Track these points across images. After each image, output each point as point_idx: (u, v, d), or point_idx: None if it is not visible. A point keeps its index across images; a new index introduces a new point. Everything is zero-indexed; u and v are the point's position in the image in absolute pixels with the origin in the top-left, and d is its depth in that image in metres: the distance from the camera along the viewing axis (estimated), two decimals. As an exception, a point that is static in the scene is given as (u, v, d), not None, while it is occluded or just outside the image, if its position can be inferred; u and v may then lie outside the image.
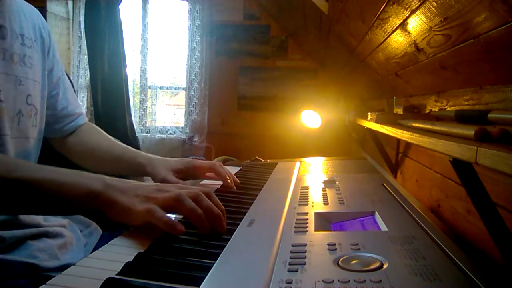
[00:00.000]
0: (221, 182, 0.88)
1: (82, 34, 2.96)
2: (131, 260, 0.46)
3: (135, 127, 3.03)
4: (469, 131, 0.51)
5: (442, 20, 0.70)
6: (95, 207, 0.54)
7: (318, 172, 1.06)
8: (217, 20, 3.10)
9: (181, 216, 0.61)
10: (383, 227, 0.57)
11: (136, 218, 0.54)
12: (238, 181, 0.90)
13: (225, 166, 0.91)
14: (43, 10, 2.67)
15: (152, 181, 0.84)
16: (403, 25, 0.89)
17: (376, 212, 0.63)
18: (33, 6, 0.80)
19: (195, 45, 3.12)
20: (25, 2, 0.77)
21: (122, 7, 2.90)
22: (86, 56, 2.94)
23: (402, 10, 0.83)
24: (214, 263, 0.45)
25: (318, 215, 0.63)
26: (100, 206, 0.54)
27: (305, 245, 0.49)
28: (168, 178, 0.82)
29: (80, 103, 0.94)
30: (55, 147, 0.92)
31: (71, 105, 0.89)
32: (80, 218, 0.85)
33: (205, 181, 0.94)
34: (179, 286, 0.41)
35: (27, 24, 0.75)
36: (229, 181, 0.86)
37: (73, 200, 0.54)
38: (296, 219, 0.61)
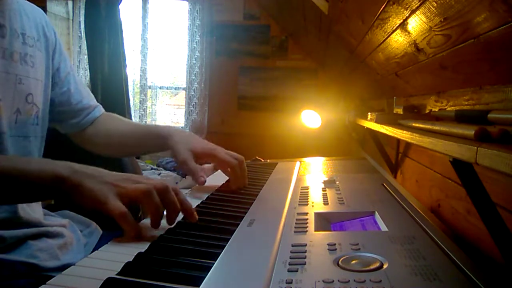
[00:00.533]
0: (222, 181, 0.88)
1: (82, 34, 2.96)
2: (131, 260, 0.46)
3: (135, 127, 3.03)
4: (469, 131, 0.51)
5: (442, 20, 0.70)
6: (63, 192, 0.56)
7: (318, 172, 1.06)
8: (217, 20, 3.10)
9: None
10: (383, 227, 0.57)
11: (104, 207, 0.55)
12: (247, 184, 0.87)
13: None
14: (43, 10, 2.67)
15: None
16: (403, 25, 0.89)
17: (376, 212, 0.63)
18: (36, 6, 0.80)
19: (195, 45, 3.12)
20: (27, 1, 0.77)
21: (122, 7, 2.90)
22: (86, 56, 2.95)
23: (402, 10, 0.83)
24: (214, 263, 0.45)
25: (318, 215, 0.63)
26: (68, 190, 0.55)
27: (305, 245, 0.49)
28: (188, 163, 0.79)
29: (92, 95, 0.94)
30: (75, 141, 0.91)
31: (85, 99, 0.89)
32: (80, 218, 0.85)
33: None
34: (179, 286, 0.41)
35: (29, 23, 0.75)
36: (236, 182, 0.84)
37: (41, 185, 0.55)
38: (296, 219, 0.61)
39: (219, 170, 0.96)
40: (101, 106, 0.94)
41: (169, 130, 0.86)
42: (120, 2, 2.87)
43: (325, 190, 0.80)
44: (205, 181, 0.79)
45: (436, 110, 0.96)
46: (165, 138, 0.84)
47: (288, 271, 0.42)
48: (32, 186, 0.56)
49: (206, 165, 0.88)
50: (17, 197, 0.59)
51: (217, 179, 0.92)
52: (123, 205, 0.55)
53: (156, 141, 0.86)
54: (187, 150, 0.81)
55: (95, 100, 0.93)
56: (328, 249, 0.48)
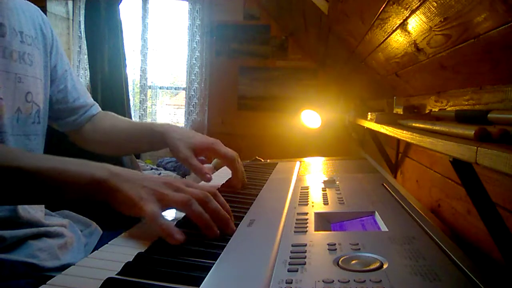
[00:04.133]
0: (222, 181, 0.88)
1: (82, 34, 2.96)
2: (131, 260, 0.46)
3: (135, 127, 3.03)
4: (469, 131, 0.51)
5: (442, 20, 0.70)
6: (99, 196, 0.54)
7: (318, 172, 1.06)
8: (217, 20, 3.10)
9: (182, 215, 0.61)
10: (383, 227, 0.57)
11: (141, 212, 0.53)
12: (246, 181, 0.87)
13: (225, 166, 0.90)
14: (43, 10, 2.67)
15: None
16: (403, 25, 0.89)
17: (376, 212, 0.63)
18: (33, 4, 0.80)
19: (195, 45, 3.12)
20: (23, 0, 0.77)
21: (122, 7, 2.90)
22: (86, 56, 2.95)
23: (402, 10, 0.83)
24: (214, 263, 0.45)
25: (318, 215, 0.63)
26: (104, 194, 0.54)
27: (305, 245, 0.49)
28: (190, 161, 0.78)
29: (88, 93, 0.93)
30: (72, 139, 0.91)
31: (82, 97, 0.89)
32: (80, 218, 0.85)
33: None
34: (179, 286, 0.41)
35: (27, 22, 0.75)
36: (240, 180, 0.83)
37: (77, 188, 0.54)
38: (296, 219, 0.61)
39: (219, 170, 0.96)
40: (97, 104, 0.94)
41: (166, 126, 0.84)
42: (120, 2, 2.87)
43: (325, 190, 0.80)
44: (211, 178, 0.78)
45: (436, 110, 0.96)
46: (161, 135, 0.82)
47: (288, 271, 0.42)
48: (68, 188, 0.54)
49: (206, 165, 0.88)
50: (49, 198, 0.57)
51: (217, 179, 0.92)
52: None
53: (153, 139, 0.84)
54: (187, 147, 0.79)
55: (91, 99, 0.92)
56: (328, 249, 0.48)
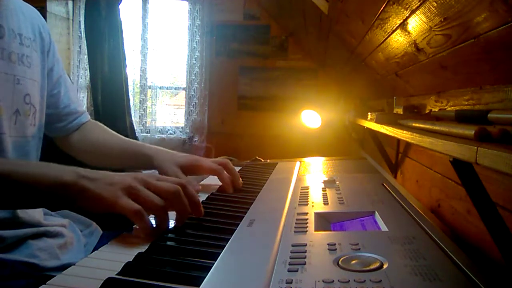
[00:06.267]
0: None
1: (82, 34, 2.96)
2: (131, 260, 0.46)
3: (135, 127, 3.03)
4: (469, 131, 0.51)
5: (442, 20, 0.70)
6: (69, 198, 0.54)
7: (318, 172, 1.06)
8: (217, 20, 3.10)
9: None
10: (383, 227, 0.57)
11: (116, 209, 0.53)
12: (241, 183, 0.88)
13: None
14: (43, 10, 2.67)
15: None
16: (403, 25, 0.89)
17: (376, 212, 0.63)
18: (31, 6, 0.80)
19: (195, 45, 3.12)
20: (23, 2, 0.77)
21: (122, 7, 2.90)
22: (86, 56, 2.94)
23: (402, 10, 0.83)
24: (214, 263, 0.45)
25: (318, 215, 0.63)
26: (73, 196, 0.54)
27: (305, 245, 0.49)
28: (179, 177, 0.80)
29: (80, 101, 0.93)
30: (59, 145, 0.92)
31: (73, 103, 0.89)
32: (80, 218, 0.85)
33: (205, 181, 0.94)
34: (179, 286, 0.41)
35: (26, 24, 0.75)
36: (230, 186, 0.85)
37: (42, 191, 0.53)
38: (296, 219, 0.61)
39: None
40: (87, 113, 0.94)
41: (154, 150, 0.87)
42: (120, 2, 2.87)
43: (325, 190, 0.80)
44: (200, 188, 0.81)
45: (436, 110, 0.96)
46: (150, 158, 0.85)
47: (288, 271, 0.42)
48: (33, 191, 0.53)
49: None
50: (16, 202, 0.57)
51: (217, 179, 0.92)
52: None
53: (141, 159, 0.86)
54: (174, 166, 0.83)
55: (83, 107, 0.93)
56: (328, 249, 0.48)
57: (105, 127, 0.96)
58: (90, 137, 0.91)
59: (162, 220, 0.56)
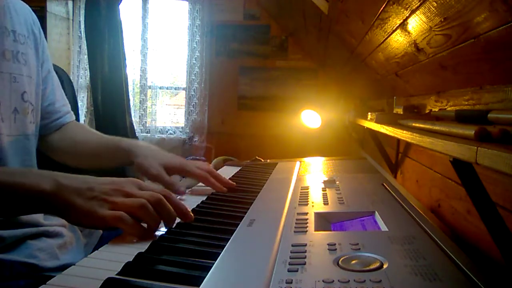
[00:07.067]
0: None
1: (82, 34, 2.96)
2: (131, 260, 0.46)
3: (135, 127, 3.03)
4: (469, 131, 0.51)
5: (442, 20, 0.70)
6: (51, 208, 0.53)
7: (318, 172, 1.06)
8: (217, 20, 3.10)
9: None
10: (383, 227, 0.57)
11: (100, 222, 0.52)
12: (234, 184, 0.87)
13: (225, 166, 0.90)
14: (43, 10, 2.67)
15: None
16: (403, 25, 0.89)
17: (376, 212, 0.63)
18: (23, 2, 0.78)
19: (195, 45, 3.12)
20: None
21: (122, 7, 2.90)
22: (86, 56, 2.94)
23: (402, 10, 0.83)
24: (214, 263, 0.45)
25: (318, 215, 0.63)
26: (56, 208, 0.53)
27: (305, 245, 0.49)
28: (163, 177, 0.77)
29: (66, 100, 0.90)
30: (40, 147, 0.86)
31: (58, 102, 0.86)
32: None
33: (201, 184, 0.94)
34: (179, 286, 0.41)
35: (19, 20, 0.74)
36: (221, 187, 0.84)
37: (24, 201, 0.52)
38: (296, 219, 0.61)
39: (221, 169, 0.96)
40: (72, 113, 0.91)
41: (133, 143, 0.83)
42: (120, 2, 2.87)
43: (325, 190, 0.80)
44: (185, 191, 0.79)
45: (436, 110, 0.96)
46: (129, 152, 0.81)
47: (288, 271, 0.42)
48: (13, 202, 0.52)
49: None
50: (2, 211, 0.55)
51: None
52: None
53: (120, 154, 0.82)
54: (158, 164, 0.79)
55: (68, 107, 0.90)
56: (328, 249, 0.48)
57: (87, 126, 0.93)
58: (70, 137, 0.87)
59: (150, 219, 0.55)
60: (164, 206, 0.56)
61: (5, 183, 0.52)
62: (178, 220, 0.59)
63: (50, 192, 0.52)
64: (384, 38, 1.07)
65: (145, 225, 0.56)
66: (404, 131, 0.77)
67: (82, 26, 2.93)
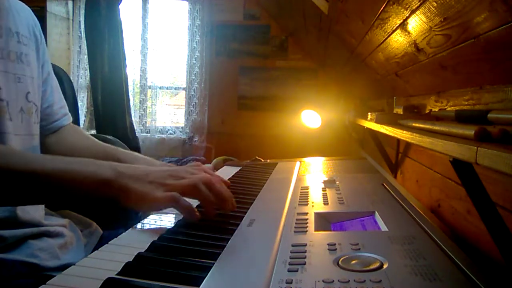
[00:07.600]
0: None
1: (82, 34, 2.96)
2: (131, 260, 0.46)
3: (135, 127, 3.03)
4: (469, 131, 0.51)
5: (442, 20, 0.70)
6: (108, 196, 0.55)
7: (318, 172, 1.06)
8: (217, 20, 3.10)
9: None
10: (383, 227, 0.57)
11: (156, 204, 0.56)
12: (229, 182, 0.86)
13: (225, 167, 0.90)
14: (43, 10, 2.67)
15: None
16: (403, 25, 0.89)
17: (376, 212, 0.63)
18: (23, 3, 0.79)
19: (195, 45, 3.12)
20: (17, 0, 0.77)
21: (122, 7, 2.90)
22: (86, 56, 2.94)
23: (402, 10, 0.83)
24: (214, 263, 0.45)
25: (318, 215, 0.63)
26: (114, 195, 0.55)
27: (305, 245, 0.49)
28: None
29: (65, 102, 0.89)
30: None
31: (56, 104, 0.86)
32: (80, 218, 0.85)
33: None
34: (179, 286, 0.41)
35: (21, 22, 0.74)
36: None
37: (84, 189, 0.54)
38: (296, 219, 0.61)
39: (221, 169, 0.95)
40: (70, 116, 0.90)
41: (131, 157, 0.83)
42: (120, 2, 2.87)
43: (325, 190, 0.80)
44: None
45: (436, 110, 0.96)
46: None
47: (288, 271, 0.42)
48: (74, 189, 0.54)
49: (206, 165, 0.87)
50: (58, 200, 0.58)
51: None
52: None
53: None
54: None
55: (66, 109, 0.89)
56: (328, 249, 0.48)
57: (84, 131, 0.93)
58: (66, 140, 0.87)
59: (203, 197, 0.59)
60: (214, 186, 0.60)
61: (62, 170, 0.54)
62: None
63: (109, 179, 0.54)
64: (384, 38, 1.07)
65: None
66: (404, 131, 0.77)
67: (82, 26, 2.93)
